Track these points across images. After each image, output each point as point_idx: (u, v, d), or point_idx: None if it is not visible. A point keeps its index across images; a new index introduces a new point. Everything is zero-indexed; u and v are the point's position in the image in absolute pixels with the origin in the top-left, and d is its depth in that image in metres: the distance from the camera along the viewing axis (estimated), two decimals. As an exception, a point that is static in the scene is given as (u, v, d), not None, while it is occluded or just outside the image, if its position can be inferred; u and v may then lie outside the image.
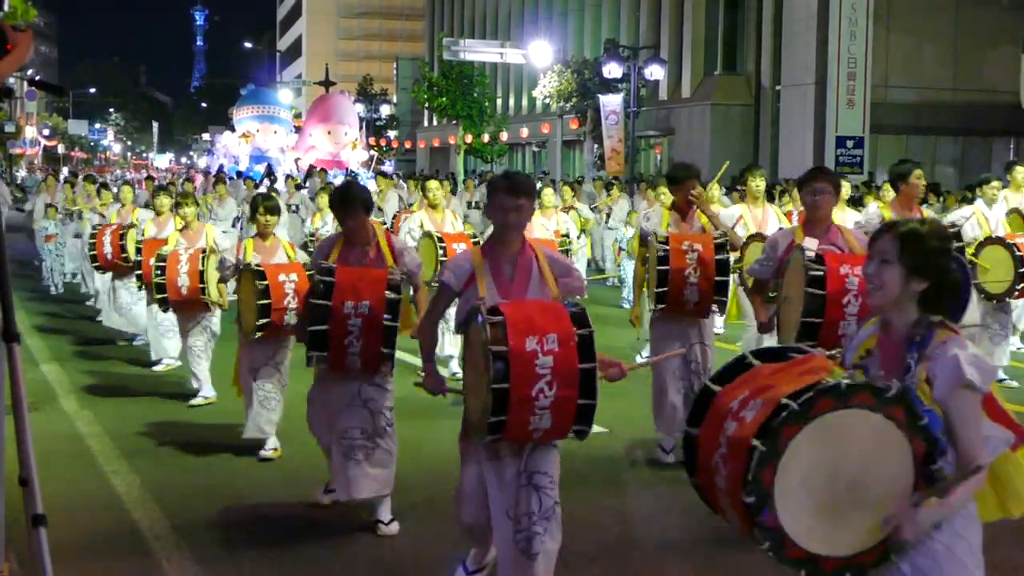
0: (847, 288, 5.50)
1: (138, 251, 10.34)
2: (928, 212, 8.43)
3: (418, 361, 9.61)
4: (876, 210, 9.03)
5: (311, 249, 10.14)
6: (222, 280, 7.96)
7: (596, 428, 8.22)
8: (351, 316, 5.71)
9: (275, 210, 7.65)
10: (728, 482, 3.02)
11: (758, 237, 9.88)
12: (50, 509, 3.17)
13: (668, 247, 7.07)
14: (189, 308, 9.23)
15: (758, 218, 9.39)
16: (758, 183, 9.46)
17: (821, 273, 5.56)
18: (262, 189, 22.63)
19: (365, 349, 5.78)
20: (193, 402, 9.28)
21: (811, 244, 5.82)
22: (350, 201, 6.02)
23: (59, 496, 6.32)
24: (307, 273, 7.03)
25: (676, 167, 7.65)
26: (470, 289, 4.63)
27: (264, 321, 7.10)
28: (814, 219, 6.03)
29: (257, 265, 7.28)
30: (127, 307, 11.88)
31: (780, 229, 7.36)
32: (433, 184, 10.81)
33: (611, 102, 36.67)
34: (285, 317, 7.14)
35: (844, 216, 10.07)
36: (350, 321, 5.72)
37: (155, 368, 10.81)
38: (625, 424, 8.31)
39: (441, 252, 9.57)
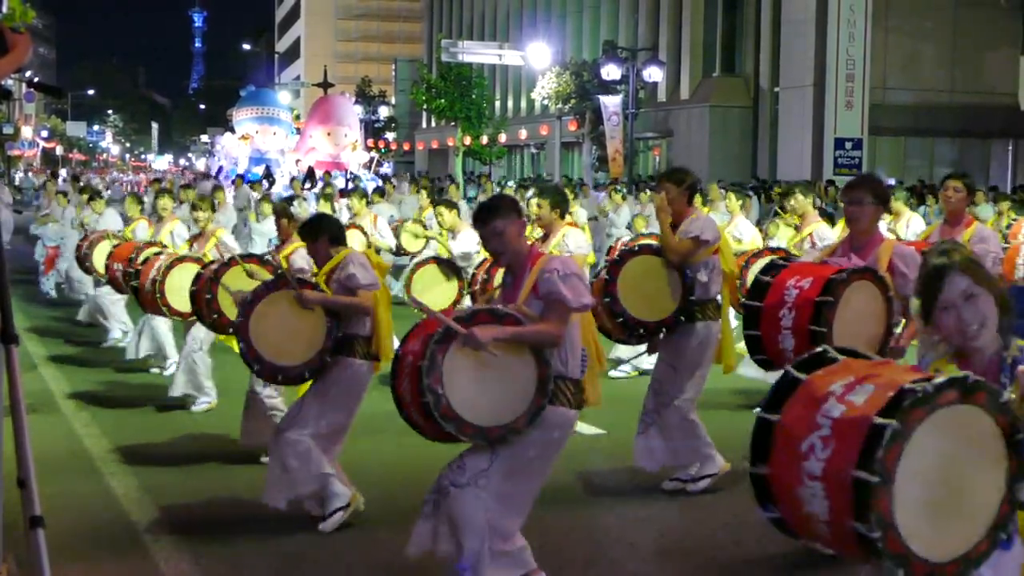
0: (784, 301, 5.09)
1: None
2: (978, 225, 7.62)
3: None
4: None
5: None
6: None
7: (594, 430, 8.30)
8: None
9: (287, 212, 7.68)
10: (831, 465, 2.82)
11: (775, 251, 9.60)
12: (48, 510, 3.17)
13: None
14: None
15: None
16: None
17: (766, 281, 5.21)
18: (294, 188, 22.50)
19: None
20: (196, 408, 9.04)
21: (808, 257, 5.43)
22: (311, 230, 6.28)
23: (57, 497, 6.30)
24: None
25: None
26: None
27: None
28: (852, 231, 5.41)
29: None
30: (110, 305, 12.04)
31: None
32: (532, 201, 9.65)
33: (612, 103, 36.65)
34: None
35: (908, 222, 9.82)
36: None
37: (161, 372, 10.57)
38: (622, 426, 8.31)
39: None
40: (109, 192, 29.26)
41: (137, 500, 6.68)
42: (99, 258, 11.54)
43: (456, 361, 4.37)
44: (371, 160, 40.24)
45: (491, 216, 4.68)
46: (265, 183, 29.03)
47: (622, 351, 10.25)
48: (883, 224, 8.58)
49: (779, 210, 9.41)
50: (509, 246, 4.70)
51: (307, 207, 18.25)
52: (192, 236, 9.53)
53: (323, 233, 6.20)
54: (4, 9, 3.25)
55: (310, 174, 29.30)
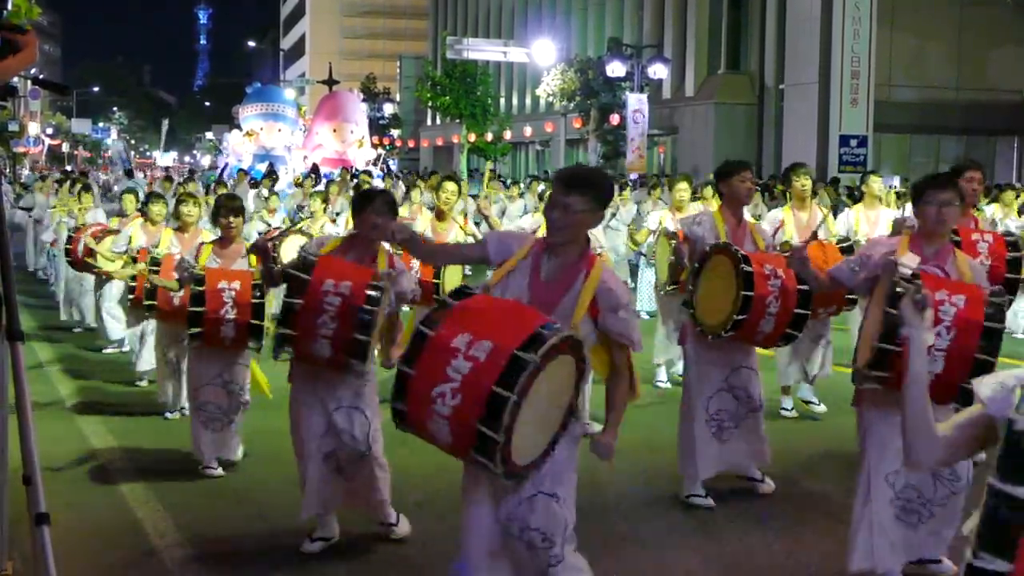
0: (940, 319, 4.72)
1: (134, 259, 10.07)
2: (985, 215, 7.31)
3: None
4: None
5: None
6: (181, 284, 7.39)
7: (596, 427, 8.27)
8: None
9: (240, 211, 7.28)
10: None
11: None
12: (53, 508, 3.18)
13: None
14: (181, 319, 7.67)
15: (803, 222, 8.64)
16: (804, 183, 8.77)
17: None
18: (264, 188, 22.37)
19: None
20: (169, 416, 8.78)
21: (911, 261, 5.08)
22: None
23: (62, 495, 6.33)
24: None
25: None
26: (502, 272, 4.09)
27: (195, 331, 6.77)
28: (934, 233, 5.18)
29: (201, 270, 6.91)
30: (110, 311, 11.33)
31: (884, 236, 5.87)
32: (451, 187, 9.10)
33: (637, 100, 36.23)
34: (222, 329, 6.77)
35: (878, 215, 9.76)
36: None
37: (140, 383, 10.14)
38: (625, 426, 8.30)
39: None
40: (116, 188, 29.21)
41: (142, 496, 6.69)
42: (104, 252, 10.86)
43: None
44: (378, 157, 40.17)
45: (588, 189, 3.97)
46: (266, 181, 28.93)
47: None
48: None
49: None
50: (574, 230, 4.02)
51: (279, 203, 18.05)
52: (176, 229, 8.65)
53: None
54: (9, 7, 3.25)
55: (314, 171, 29.22)
